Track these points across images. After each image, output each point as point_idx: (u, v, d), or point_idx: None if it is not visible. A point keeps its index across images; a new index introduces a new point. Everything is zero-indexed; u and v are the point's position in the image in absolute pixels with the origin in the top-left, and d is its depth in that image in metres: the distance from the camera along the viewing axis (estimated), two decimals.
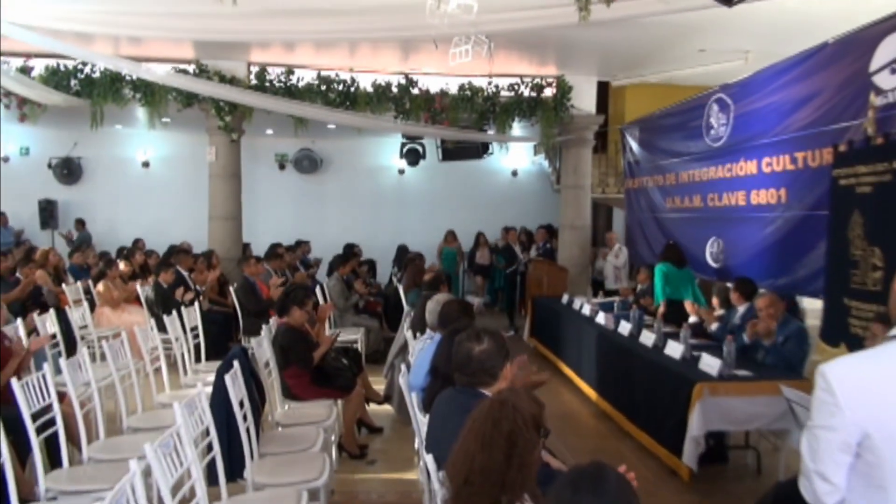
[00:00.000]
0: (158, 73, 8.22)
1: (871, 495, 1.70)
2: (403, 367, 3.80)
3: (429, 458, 2.48)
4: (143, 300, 7.65)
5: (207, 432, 3.30)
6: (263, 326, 5.05)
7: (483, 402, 1.99)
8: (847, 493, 1.73)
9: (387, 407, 6.06)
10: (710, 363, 4.73)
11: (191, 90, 8.64)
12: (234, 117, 9.11)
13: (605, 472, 1.50)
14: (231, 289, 7.94)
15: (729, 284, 6.05)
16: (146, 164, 13.22)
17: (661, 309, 6.72)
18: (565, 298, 8.38)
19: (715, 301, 6.16)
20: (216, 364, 4.20)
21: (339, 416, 5.15)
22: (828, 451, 1.71)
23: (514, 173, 13.80)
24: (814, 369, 4.82)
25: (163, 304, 7.01)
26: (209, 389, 3.64)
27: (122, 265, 8.24)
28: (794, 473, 3.59)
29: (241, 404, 3.64)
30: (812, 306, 7.00)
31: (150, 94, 8.76)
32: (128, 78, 8.67)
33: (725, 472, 5.00)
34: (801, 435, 3.85)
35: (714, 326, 5.84)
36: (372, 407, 5.97)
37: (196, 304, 6.55)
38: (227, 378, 3.54)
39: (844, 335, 4.45)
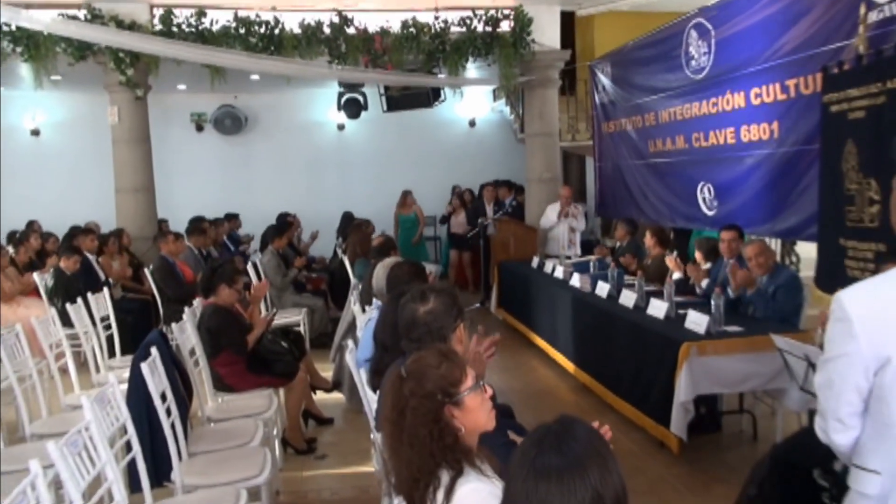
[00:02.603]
0: (42, 19, 7.97)
1: (875, 434, 1.82)
2: (351, 343, 3.83)
3: (380, 438, 2.52)
4: (42, 291, 7.48)
5: (125, 431, 3.29)
6: (186, 310, 5.00)
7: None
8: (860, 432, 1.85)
9: (337, 395, 6.09)
10: (696, 320, 4.86)
11: (83, 39, 8.38)
12: (138, 70, 8.88)
13: (572, 428, 1.53)
14: (147, 271, 7.83)
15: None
16: (36, 133, 12.81)
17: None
18: (535, 261, 8.48)
19: (699, 255, 6.28)
20: None
21: (282, 408, 5.18)
22: (843, 382, 1.82)
23: (472, 123, 13.78)
24: (810, 323, 4.97)
25: (65, 293, 6.88)
26: (125, 387, 3.62)
27: (12, 251, 8.04)
28: (790, 435, 3.77)
29: (164, 397, 3.62)
30: (808, 255, 7.23)
31: (34, 46, 8.45)
32: (5, 28, 8.36)
33: (719, 440, 5.19)
34: (797, 393, 4.00)
35: (704, 283, 5.96)
36: (319, 395, 6.00)
37: (106, 290, 6.45)
38: (145, 367, 3.51)
39: (841, 279, 4.61)
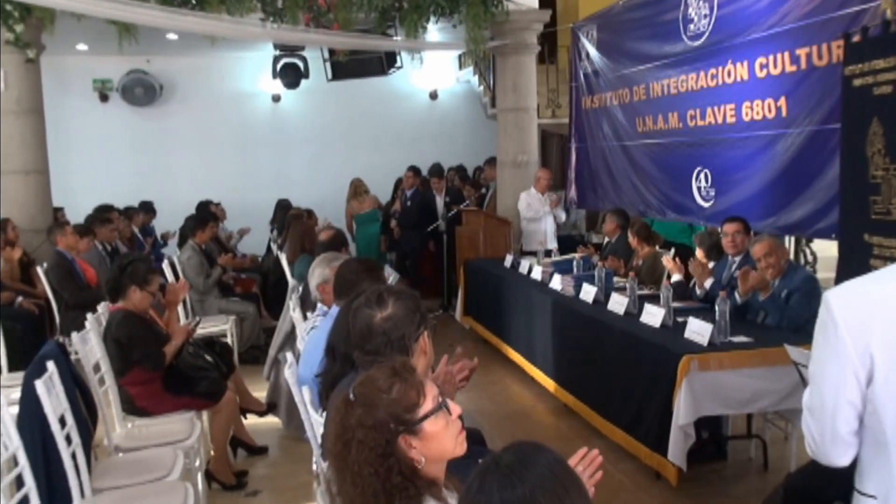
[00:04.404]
0: None
1: (872, 452, 1.87)
2: (290, 356, 3.81)
3: (327, 468, 2.50)
4: None
5: (16, 462, 3.24)
6: (89, 317, 4.94)
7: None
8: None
9: (272, 419, 6.06)
10: (698, 329, 4.92)
11: None
12: (29, 27, 8.72)
13: (528, 458, 1.54)
14: (39, 270, 7.69)
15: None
16: None
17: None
18: (508, 260, 8.52)
19: (699, 253, 6.37)
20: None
21: (205, 434, 5.15)
22: (838, 396, 1.86)
23: (434, 95, 13.82)
24: None
25: None
26: (16, 410, 3.57)
27: None
28: (806, 463, 3.84)
29: (63, 422, 3.58)
30: (825, 254, 7.39)
31: None
32: None
33: (724, 470, 5.27)
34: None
35: (708, 284, 6.04)
36: (251, 420, 5.95)
37: None
38: (40, 385, 3.45)
39: None
